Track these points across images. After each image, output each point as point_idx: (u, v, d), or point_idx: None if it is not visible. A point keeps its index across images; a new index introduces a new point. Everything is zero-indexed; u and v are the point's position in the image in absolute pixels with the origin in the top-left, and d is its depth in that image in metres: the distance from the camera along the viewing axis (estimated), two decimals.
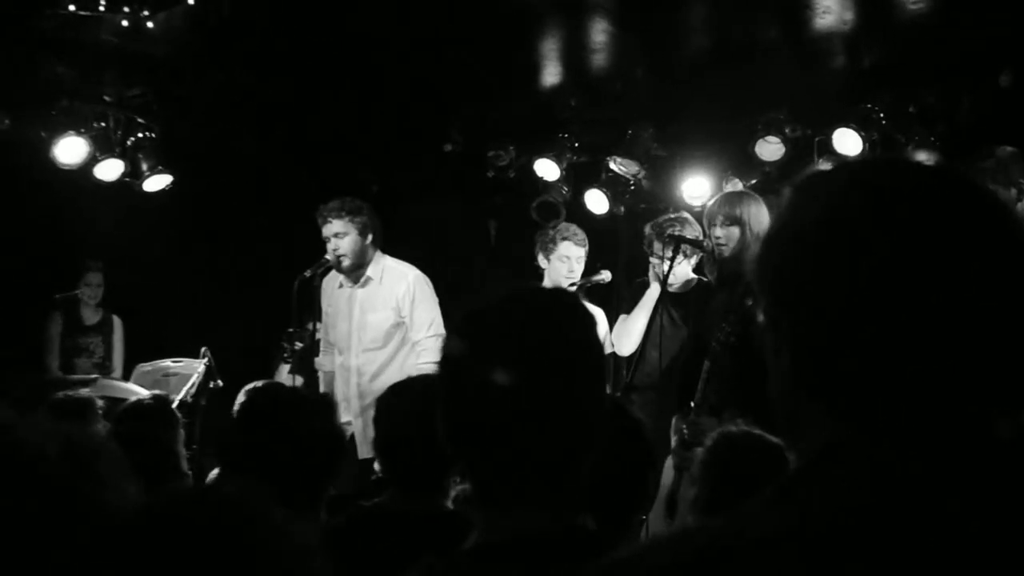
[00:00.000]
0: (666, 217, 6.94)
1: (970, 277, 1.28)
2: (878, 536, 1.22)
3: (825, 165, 6.74)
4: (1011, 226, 1.32)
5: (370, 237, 7.10)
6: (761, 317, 1.43)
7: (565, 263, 7.17)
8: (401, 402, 3.54)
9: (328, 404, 4.01)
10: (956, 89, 7.40)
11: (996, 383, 1.29)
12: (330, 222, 7.03)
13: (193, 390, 7.47)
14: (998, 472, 1.25)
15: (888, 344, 1.28)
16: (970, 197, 1.34)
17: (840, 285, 1.30)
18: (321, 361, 7.36)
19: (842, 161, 1.29)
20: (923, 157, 5.33)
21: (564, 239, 7.22)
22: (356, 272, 7.14)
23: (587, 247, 7.30)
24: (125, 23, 6.14)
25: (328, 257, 7.04)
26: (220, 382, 7.45)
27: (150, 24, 6.16)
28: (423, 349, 7.11)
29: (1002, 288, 1.28)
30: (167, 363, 7.76)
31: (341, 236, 7.02)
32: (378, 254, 7.21)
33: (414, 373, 7.01)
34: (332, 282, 7.24)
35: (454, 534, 3.19)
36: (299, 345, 7.14)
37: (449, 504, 3.52)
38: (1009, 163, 5.52)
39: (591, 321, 1.98)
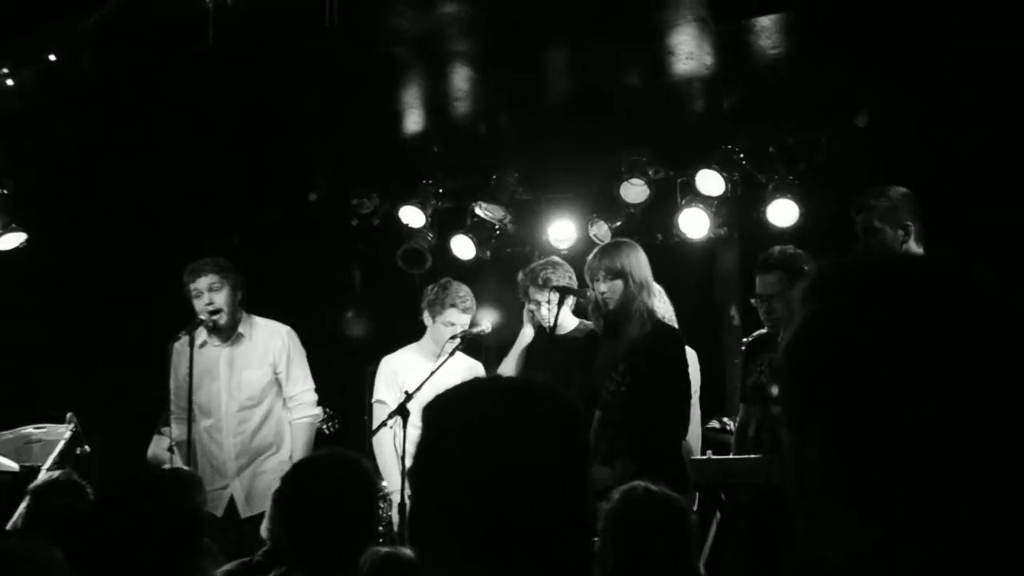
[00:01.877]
0: (539, 263, 6.96)
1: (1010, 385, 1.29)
2: None
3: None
4: None
5: (239, 295, 6.99)
6: (780, 414, 1.42)
7: (449, 329, 7.07)
8: (310, 481, 3.49)
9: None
10: (814, 129, 7.59)
11: None
12: (204, 275, 6.86)
13: (59, 458, 7.17)
14: None
15: (930, 453, 1.28)
16: (991, 300, 1.35)
17: (878, 393, 1.30)
18: (174, 430, 7.01)
19: (851, 257, 1.28)
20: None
21: (452, 306, 7.08)
22: (226, 331, 6.99)
23: (473, 311, 7.22)
24: None
25: (202, 317, 6.86)
26: (88, 448, 7.17)
27: (10, 81, 5.94)
28: (298, 404, 7.05)
29: None
30: (29, 429, 7.40)
31: (216, 289, 6.87)
32: (244, 313, 7.11)
33: (290, 429, 6.97)
34: (193, 342, 6.99)
35: None
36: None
37: None
38: (900, 204, 5.67)
39: (570, 421, 1.90)
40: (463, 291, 7.19)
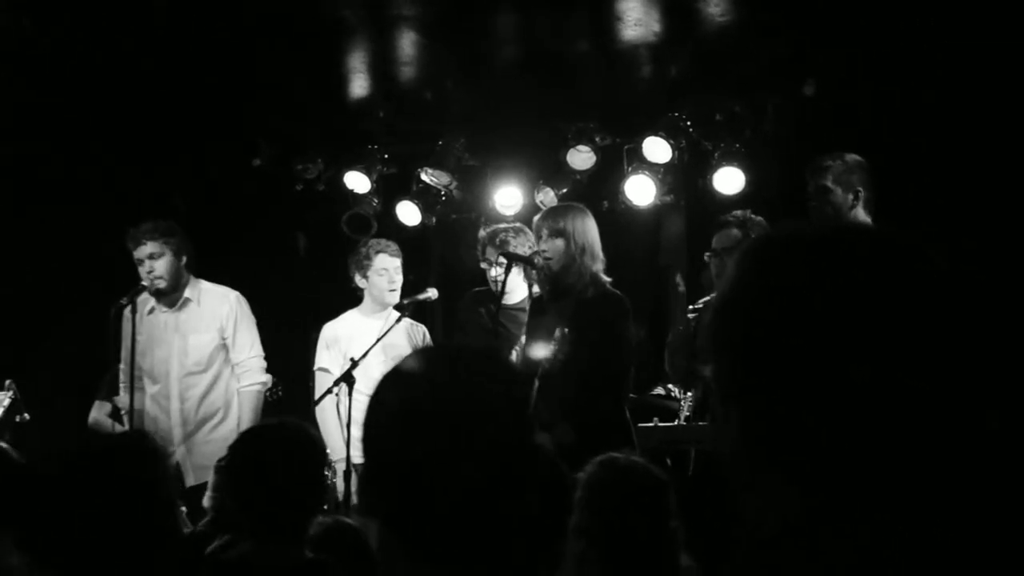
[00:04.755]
0: (505, 226, 6.97)
1: (933, 347, 1.29)
2: None
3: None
4: (961, 296, 1.33)
5: (184, 259, 6.93)
6: (711, 382, 1.42)
7: (384, 275, 7.14)
8: (258, 450, 3.47)
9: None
10: (761, 98, 7.59)
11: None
12: (144, 243, 6.82)
13: None
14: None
15: (860, 412, 1.28)
16: (924, 267, 1.34)
17: (804, 356, 1.30)
18: (123, 399, 6.98)
19: (792, 228, 1.27)
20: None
21: (379, 252, 7.16)
22: (172, 295, 6.93)
23: (401, 257, 7.25)
24: None
25: (144, 283, 6.80)
26: (27, 416, 7.07)
27: None
28: (245, 371, 7.00)
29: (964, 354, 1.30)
30: None
31: (156, 257, 6.83)
32: (192, 277, 7.02)
33: (238, 396, 6.91)
34: (141, 308, 6.95)
35: None
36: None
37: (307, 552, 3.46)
38: (854, 169, 5.76)
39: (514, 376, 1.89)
40: (383, 240, 7.31)
